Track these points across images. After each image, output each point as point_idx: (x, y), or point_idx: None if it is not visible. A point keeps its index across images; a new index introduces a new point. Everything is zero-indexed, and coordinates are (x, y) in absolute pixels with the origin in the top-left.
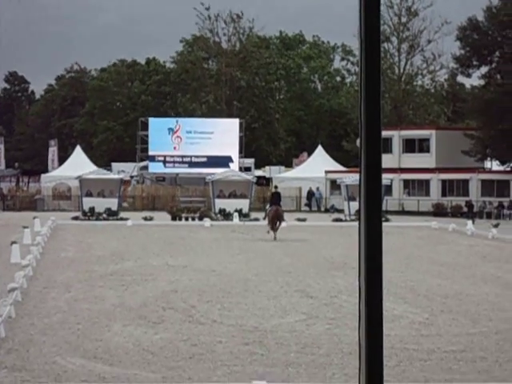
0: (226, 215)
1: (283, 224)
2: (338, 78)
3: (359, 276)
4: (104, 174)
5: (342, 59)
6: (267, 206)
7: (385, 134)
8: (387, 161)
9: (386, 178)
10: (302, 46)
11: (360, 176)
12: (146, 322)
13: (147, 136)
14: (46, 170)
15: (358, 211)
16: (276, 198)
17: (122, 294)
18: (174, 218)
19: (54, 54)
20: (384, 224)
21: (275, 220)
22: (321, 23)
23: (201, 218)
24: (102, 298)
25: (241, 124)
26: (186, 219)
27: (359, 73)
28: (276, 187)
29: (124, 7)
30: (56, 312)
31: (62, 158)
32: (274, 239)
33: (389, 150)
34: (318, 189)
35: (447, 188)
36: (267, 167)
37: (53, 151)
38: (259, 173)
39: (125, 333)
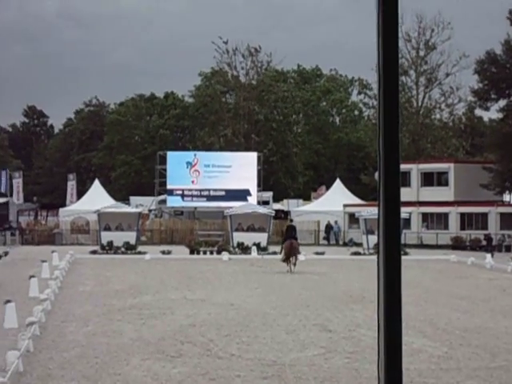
0: (244, 249)
1: (301, 257)
2: (356, 112)
3: (378, 309)
4: (122, 208)
5: (359, 93)
6: (283, 240)
7: (403, 167)
8: (405, 194)
9: (404, 211)
10: (320, 80)
11: (379, 210)
12: (164, 356)
13: (165, 170)
14: (64, 204)
15: (377, 245)
16: (291, 230)
17: (140, 328)
18: (192, 252)
19: (73, 89)
20: (403, 257)
21: (291, 253)
22: (338, 57)
23: (219, 252)
24: (120, 332)
25: (259, 157)
26: (204, 253)
27: (378, 106)
28: (291, 220)
29: (140, 42)
30: (74, 346)
31: (81, 192)
32: (290, 272)
33: (407, 184)
34: (336, 222)
35: (466, 221)
36: (285, 200)
37: (71, 185)
38: (277, 206)
39: (143, 367)
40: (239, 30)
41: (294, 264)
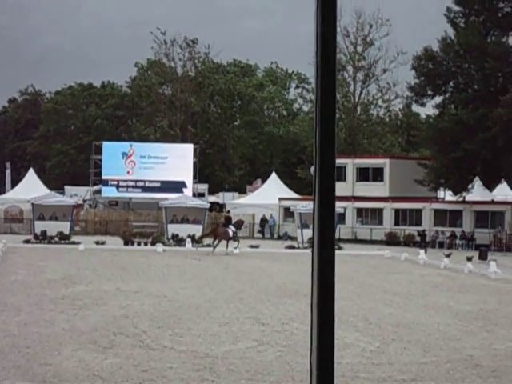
0: (178, 241)
1: (235, 250)
2: (293, 106)
3: (311, 303)
4: (57, 198)
5: (297, 87)
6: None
7: (339, 162)
8: (341, 189)
9: (339, 206)
10: (258, 73)
11: (314, 203)
12: (96, 347)
13: (101, 160)
14: (3, 192)
15: (312, 238)
16: (227, 221)
17: (73, 319)
18: (126, 243)
19: (5, 76)
20: (337, 252)
21: (219, 236)
22: (277, 51)
23: (153, 243)
24: (52, 322)
25: (195, 149)
26: (139, 244)
27: (315, 100)
28: (228, 211)
29: (73, 29)
30: (5, 335)
31: (15, 181)
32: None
33: (343, 179)
34: (271, 216)
35: (400, 217)
36: (221, 193)
37: (8, 174)
38: (213, 199)
39: (75, 357)
40: (176, 20)
41: (215, 247)
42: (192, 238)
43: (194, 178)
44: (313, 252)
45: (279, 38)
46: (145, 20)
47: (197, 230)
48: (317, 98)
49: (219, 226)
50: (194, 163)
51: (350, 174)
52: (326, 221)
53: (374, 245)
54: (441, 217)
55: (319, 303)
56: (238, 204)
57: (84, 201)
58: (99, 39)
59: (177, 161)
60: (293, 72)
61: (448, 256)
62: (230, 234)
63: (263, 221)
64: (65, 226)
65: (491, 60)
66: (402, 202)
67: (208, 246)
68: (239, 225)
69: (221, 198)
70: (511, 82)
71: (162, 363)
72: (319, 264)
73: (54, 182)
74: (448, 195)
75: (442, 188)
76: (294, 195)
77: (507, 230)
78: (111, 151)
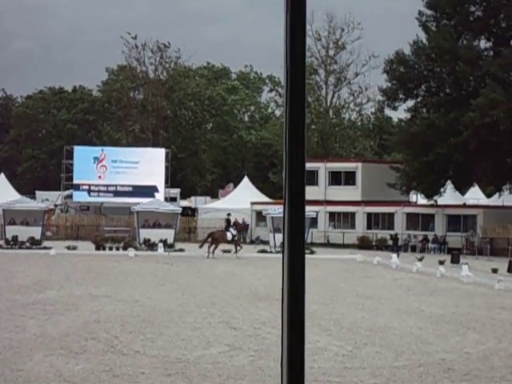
0: (150, 245)
1: (207, 255)
2: (267, 110)
3: (282, 307)
4: (28, 203)
5: (271, 90)
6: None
7: (311, 166)
8: (313, 193)
9: (311, 210)
10: (230, 77)
11: (284, 207)
12: (67, 352)
13: (72, 165)
14: None
15: (283, 243)
16: (227, 223)
17: (44, 324)
18: (98, 248)
19: None
20: (309, 256)
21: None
22: (251, 54)
23: (125, 248)
24: (23, 328)
25: (167, 154)
26: (110, 249)
27: (284, 105)
28: (229, 214)
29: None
30: None
31: None
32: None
33: (315, 183)
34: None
35: (372, 221)
36: (193, 198)
37: None
38: (185, 203)
39: (46, 363)
40: (147, 25)
41: (213, 251)
42: (164, 242)
43: (166, 182)
44: (283, 256)
45: (253, 42)
46: (116, 24)
47: (169, 234)
48: (286, 102)
49: (217, 230)
50: (166, 167)
51: (322, 177)
52: (297, 225)
53: (347, 249)
54: (413, 220)
55: (289, 308)
56: (210, 208)
57: (55, 206)
58: (70, 44)
59: (148, 165)
60: (267, 76)
61: (420, 260)
62: (229, 237)
63: (235, 225)
64: (36, 231)
65: (463, 64)
66: (374, 206)
67: (180, 250)
68: (241, 228)
69: (193, 202)
70: (483, 85)
71: (134, 368)
72: (289, 268)
73: (25, 187)
74: (420, 199)
75: (414, 192)
76: (267, 199)
77: (479, 234)
78: (82, 156)
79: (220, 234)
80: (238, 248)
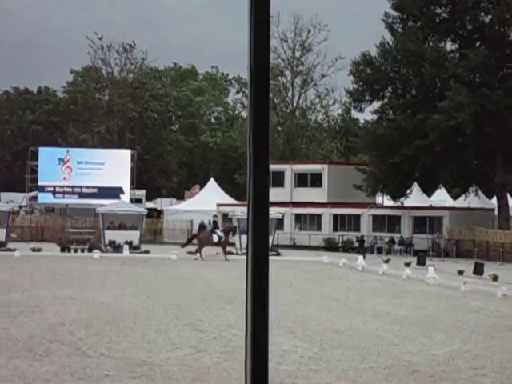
0: (115, 247)
1: (173, 256)
2: (233, 111)
3: (246, 309)
4: None
5: (238, 92)
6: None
7: (277, 167)
8: (279, 195)
9: (277, 211)
10: (197, 78)
11: (248, 208)
12: (32, 355)
13: (37, 166)
14: None
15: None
16: (214, 225)
17: (8, 326)
18: (63, 250)
19: None
20: (275, 258)
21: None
22: (218, 55)
23: (90, 250)
24: None
25: (132, 155)
26: (75, 251)
27: (248, 106)
28: (215, 216)
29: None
30: None
31: None
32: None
33: (281, 184)
34: (209, 222)
35: (339, 223)
36: (158, 199)
37: None
38: (150, 205)
39: (10, 365)
40: (112, 26)
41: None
42: (129, 244)
43: (132, 183)
44: (247, 258)
45: (220, 43)
46: (81, 25)
47: (134, 236)
48: (250, 103)
49: (203, 232)
50: (132, 169)
51: (289, 179)
52: (260, 226)
53: (313, 251)
54: (379, 222)
55: (253, 309)
56: (175, 210)
57: (20, 207)
58: (35, 44)
59: (114, 166)
60: (233, 77)
61: (386, 262)
62: (215, 239)
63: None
64: (1, 233)
65: (429, 66)
66: (340, 208)
67: (146, 252)
68: (229, 230)
69: (158, 203)
70: (448, 88)
71: (99, 371)
72: (253, 270)
73: None
74: (386, 200)
75: (380, 193)
76: (233, 201)
77: (445, 236)
78: (48, 157)
79: (205, 236)
80: (224, 250)
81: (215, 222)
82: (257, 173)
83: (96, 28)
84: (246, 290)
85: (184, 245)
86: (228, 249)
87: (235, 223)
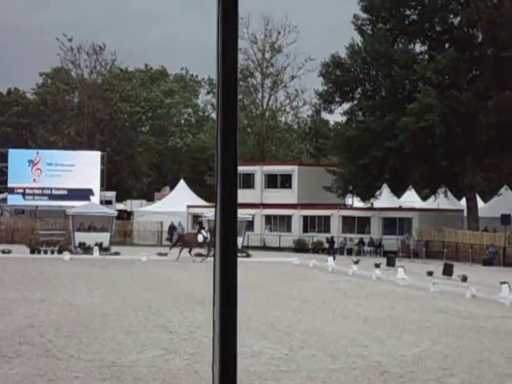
0: (85, 249)
1: (143, 258)
2: (204, 113)
3: (213, 311)
4: None
5: (208, 93)
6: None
7: (247, 169)
8: (249, 196)
9: (247, 213)
10: (168, 79)
11: (215, 210)
12: (1, 357)
13: (7, 168)
14: None
15: (214, 245)
16: (200, 226)
17: None
18: (32, 251)
19: None
20: (246, 259)
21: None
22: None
23: (60, 252)
24: None
25: (102, 157)
26: (45, 252)
27: (216, 107)
28: (200, 216)
29: None
30: None
31: None
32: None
33: (251, 186)
34: (179, 223)
35: (309, 224)
36: (129, 201)
37: None
38: (121, 206)
39: None
40: (82, 27)
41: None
42: (99, 246)
43: (102, 185)
44: (215, 259)
45: (190, 44)
46: (51, 26)
47: (104, 237)
48: (218, 104)
49: (188, 233)
50: (102, 170)
51: (259, 180)
52: (229, 228)
53: (283, 252)
54: (349, 223)
55: (221, 311)
56: (146, 211)
57: None
58: (4, 45)
59: (84, 168)
60: (202, 79)
61: (356, 263)
62: (200, 239)
63: (171, 228)
64: None
65: (398, 67)
66: (310, 209)
67: (116, 253)
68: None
69: (129, 205)
70: (418, 89)
71: (69, 372)
72: (221, 271)
73: None
74: (356, 202)
75: (350, 195)
76: (203, 202)
77: (415, 237)
78: (17, 159)
79: (191, 237)
80: (208, 251)
81: (201, 223)
82: (225, 174)
83: (66, 29)
84: (213, 291)
85: (171, 246)
86: (198, 250)
87: (205, 225)
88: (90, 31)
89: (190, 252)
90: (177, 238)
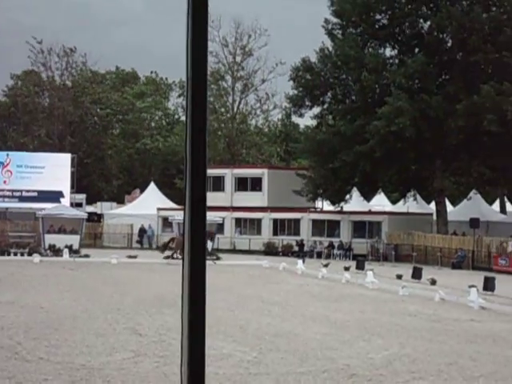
0: (55, 251)
1: (113, 261)
2: (174, 116)
3: (182, 313)
4: None
5: (179, 96)
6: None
7: (217, 172)
8: (219, 199)
9: (217, 216)
10: (138, 82)
11: (184, 212)
12: None
13: None
14: None
15: (182, 248)
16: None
17: None
18: (2, 253)
19: None
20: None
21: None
22: (157, 59)
23: (30, 254)
24: None
25: (73, 159)
26: (15, 254)
27: (186, 110)
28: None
29: None
30: None
31: None
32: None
33: (221, 188)
34: (150, 226)
35: (279, 227)
36: (99, 203)
37: None
38: (91, 209)
39: None
40: (52, 30)
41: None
42: (69, 248)
43: (72, 187)
44: (183, 261)
45: (161, 47)
46: (21, 29)
47: (74, 240)
48: (187, 107)
49: (180, 235)
50: (72, 173)
51: (229, 183)
52: (197, 230)
53: (253, 255)
54: (319, 227)
55: (190, 314)
56: (116, 214)
57: None
58: None
59: (54, 170)
60: (173, 82)
61: (326, 266)
62: None
63: (141, 231)
64: None
65: (368, 72)
66: (280, 212)
67: (86, 256)
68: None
69: (99, 207)
70: (388, 93)
71: (38, 375)
72: (190, 274)
73: None
74: (326, 205)
75: (320, 198)
76: (173, 205)
77: (384, 240)
78: None
79: (181, 240)
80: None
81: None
82: (194, 177)
83: (36, 32)
84: (182, 294)
85: (162, 250)
86: (168, 253)
87: (175, 227)
88: (61, 34)
89: (173, 254)
90: (168, 241)
